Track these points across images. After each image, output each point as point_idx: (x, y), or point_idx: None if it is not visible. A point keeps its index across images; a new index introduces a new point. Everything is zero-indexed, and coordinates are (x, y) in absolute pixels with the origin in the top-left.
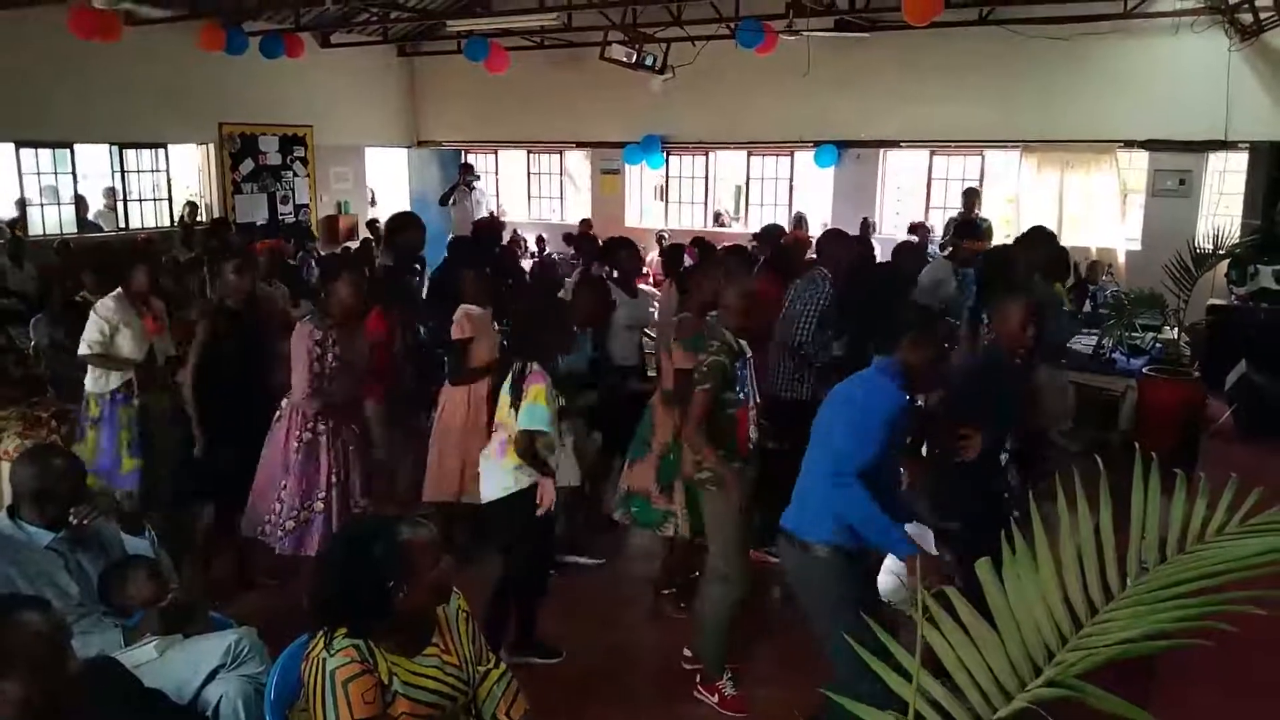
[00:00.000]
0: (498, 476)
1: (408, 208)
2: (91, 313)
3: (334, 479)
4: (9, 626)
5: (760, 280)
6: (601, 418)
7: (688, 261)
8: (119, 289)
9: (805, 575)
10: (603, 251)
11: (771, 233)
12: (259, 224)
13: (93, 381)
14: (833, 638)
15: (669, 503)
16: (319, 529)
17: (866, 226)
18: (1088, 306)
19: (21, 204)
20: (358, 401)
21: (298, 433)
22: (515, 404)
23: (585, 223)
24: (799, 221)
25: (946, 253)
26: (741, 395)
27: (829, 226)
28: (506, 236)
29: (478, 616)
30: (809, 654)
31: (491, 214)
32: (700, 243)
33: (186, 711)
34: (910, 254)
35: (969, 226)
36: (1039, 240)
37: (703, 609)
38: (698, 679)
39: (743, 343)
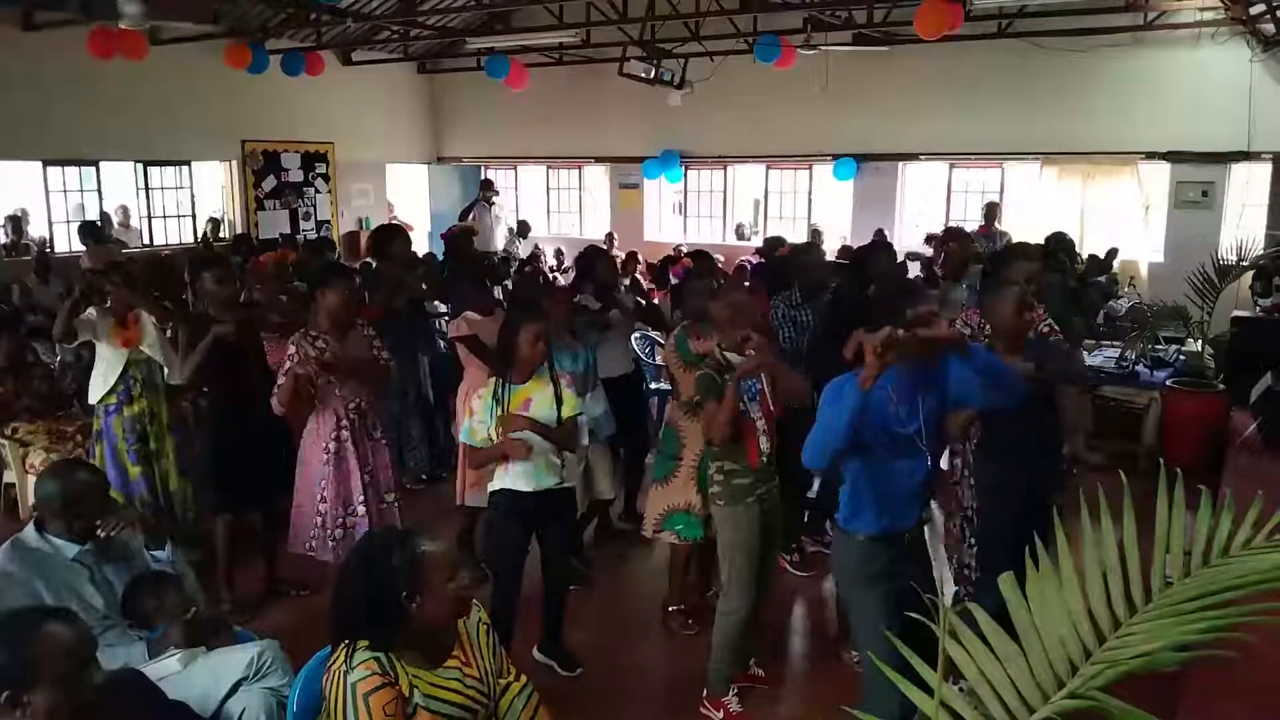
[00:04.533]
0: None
1: (427, 224)
2: (79, 324)
3: (365, 479)
4: (37, 638)
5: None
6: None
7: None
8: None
9: (840, 561)
10: (580, 264)
11: (770, 246)
12: (279, 239)
13: (90, 393)
14: (861, 625)
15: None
16: (363, 534)
17: (880, 237)
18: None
19: (49, 221)
20: (367, 392)
21: (324, 444)
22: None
23: (610, 237)
24: (813, 237)
25: (940, 260)
26: (743, 408)
27: (846, 240)
28: (527, 250)
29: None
30: (818, 673)
31: (469, 227)
32: (699, 255)
33: None
34: (882, 254)
35: (954, 232)
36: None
37: (715, 627)
38: (704, 694)
39: (730, 356)
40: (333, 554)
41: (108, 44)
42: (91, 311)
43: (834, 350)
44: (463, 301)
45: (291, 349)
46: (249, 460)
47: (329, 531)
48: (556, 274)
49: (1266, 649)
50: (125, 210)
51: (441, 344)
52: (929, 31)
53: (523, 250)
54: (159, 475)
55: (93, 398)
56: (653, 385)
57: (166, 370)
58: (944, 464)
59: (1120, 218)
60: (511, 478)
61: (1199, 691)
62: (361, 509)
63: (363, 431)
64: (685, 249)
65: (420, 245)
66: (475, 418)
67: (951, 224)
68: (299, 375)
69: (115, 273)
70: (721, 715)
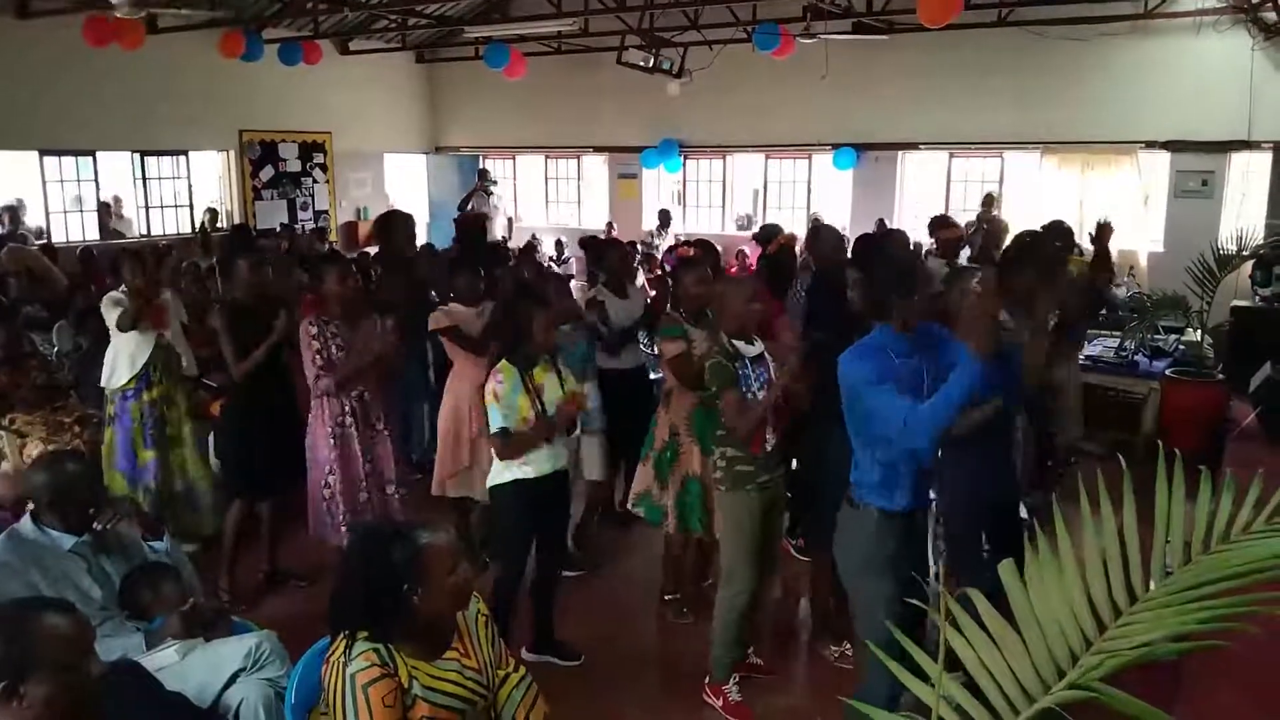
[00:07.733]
0: (494, 469)
1: (425, 214)
2: (105, 303)
3: (367, 468)
4: (34, 628)
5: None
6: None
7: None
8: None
9: (851, 538)
10: (590, 254)
11: (766, 235)
12: (278, 229)
13: (106, 378)
14: (860, 599)
15: (663, 498)
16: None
17: (882, 227)
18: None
19: (45, 211)
20: (370, 382)
21: (331, 428)
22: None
23: (609, 226)
24: (814, 225)
25: (930, 247)
26: (748, 395)
27: (845, 230)
28: (523, 240)
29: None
30: (817, 663)
31: (484, 213)
32: (703, 245)
33: (207, 715)
34: (895, 240)
35: (941, 219)
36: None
37: (715, 612)
38: (706, 680)
39: (739, 344)
40: (344, 539)
41: (103, 33)
42: (114, 295)
43: (838, 333)
44: (465, 288)
45: (313, 330)
46: (269, 445)
47: (336, 519)
48: (554, 264)
49: (1267, 639)
50: (118, 200)
51: None
52: (933, 19)
53: (667, 240)
54: (175, 462)
55: (116, 381)
56: (652, 376)
57: (184, 359)
58: None
59: (1120, 207)
60: (520, 467)
61: (1198, 680)
62: (364, 495)
63: (365, 421)
64: (683, 238)
65: (419, 234)
66: (503, 402)
67: (952, 211)
68: (372, 356)
69: (134, 261)
70: (721, 703)
